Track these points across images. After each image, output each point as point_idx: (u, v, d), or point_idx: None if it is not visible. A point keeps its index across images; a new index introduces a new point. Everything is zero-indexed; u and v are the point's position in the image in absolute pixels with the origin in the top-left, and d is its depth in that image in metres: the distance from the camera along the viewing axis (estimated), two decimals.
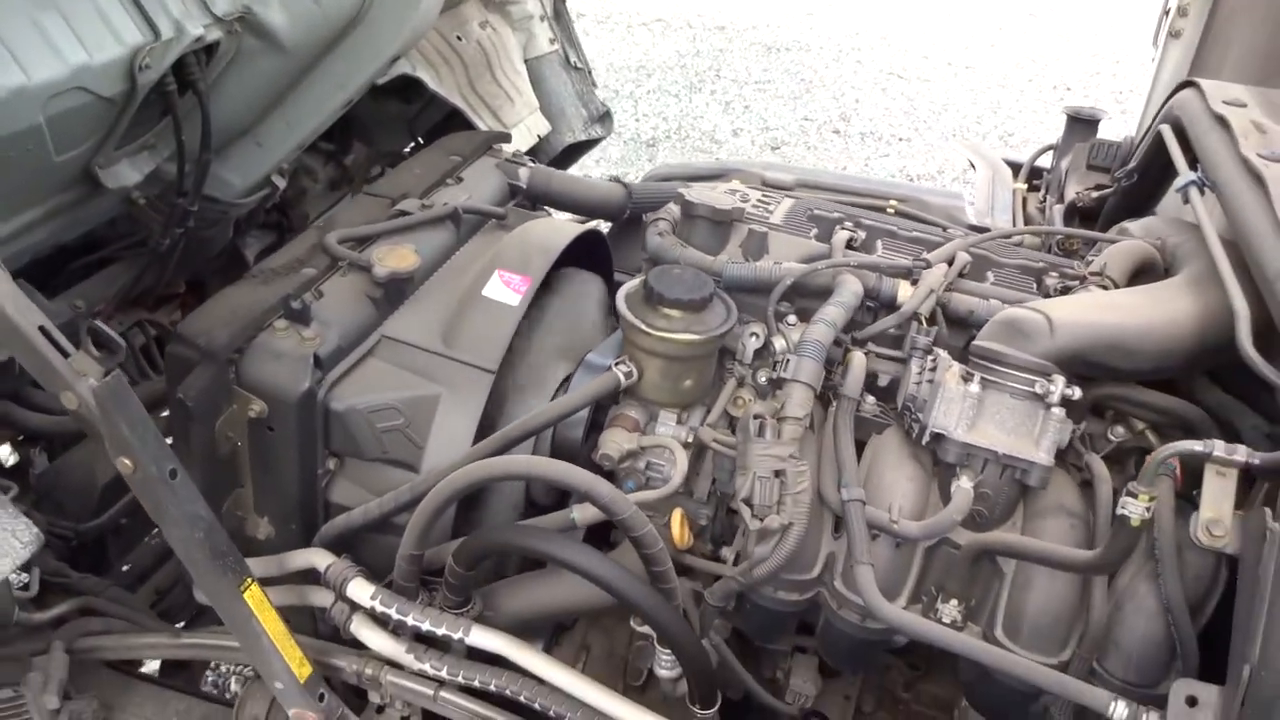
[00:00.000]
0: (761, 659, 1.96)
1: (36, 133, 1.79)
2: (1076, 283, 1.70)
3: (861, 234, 1.89)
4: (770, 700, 1.77)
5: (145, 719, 1.78)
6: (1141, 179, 2.13)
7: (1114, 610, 1.41)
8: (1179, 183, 1.67)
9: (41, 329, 1.33)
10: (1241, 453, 1.19)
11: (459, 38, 3.06)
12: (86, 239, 2.50)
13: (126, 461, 1.33)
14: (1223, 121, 1.63)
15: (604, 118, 3.45)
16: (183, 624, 2.24)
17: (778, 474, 1.44)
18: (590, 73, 3.47)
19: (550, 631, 1.87)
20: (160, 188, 2.28)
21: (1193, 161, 1.74)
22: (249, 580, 1.46)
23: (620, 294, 1.63)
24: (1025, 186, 2.93)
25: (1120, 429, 1.57)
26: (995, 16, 9.76)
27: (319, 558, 1.59)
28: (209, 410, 1.57)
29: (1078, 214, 2.44)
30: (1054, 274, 1.81)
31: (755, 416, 1.49)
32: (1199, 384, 1.59)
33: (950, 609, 1.48)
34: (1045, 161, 3.06)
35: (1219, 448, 1.20)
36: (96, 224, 2.35)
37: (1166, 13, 2.82)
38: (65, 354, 1.33)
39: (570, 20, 3.43)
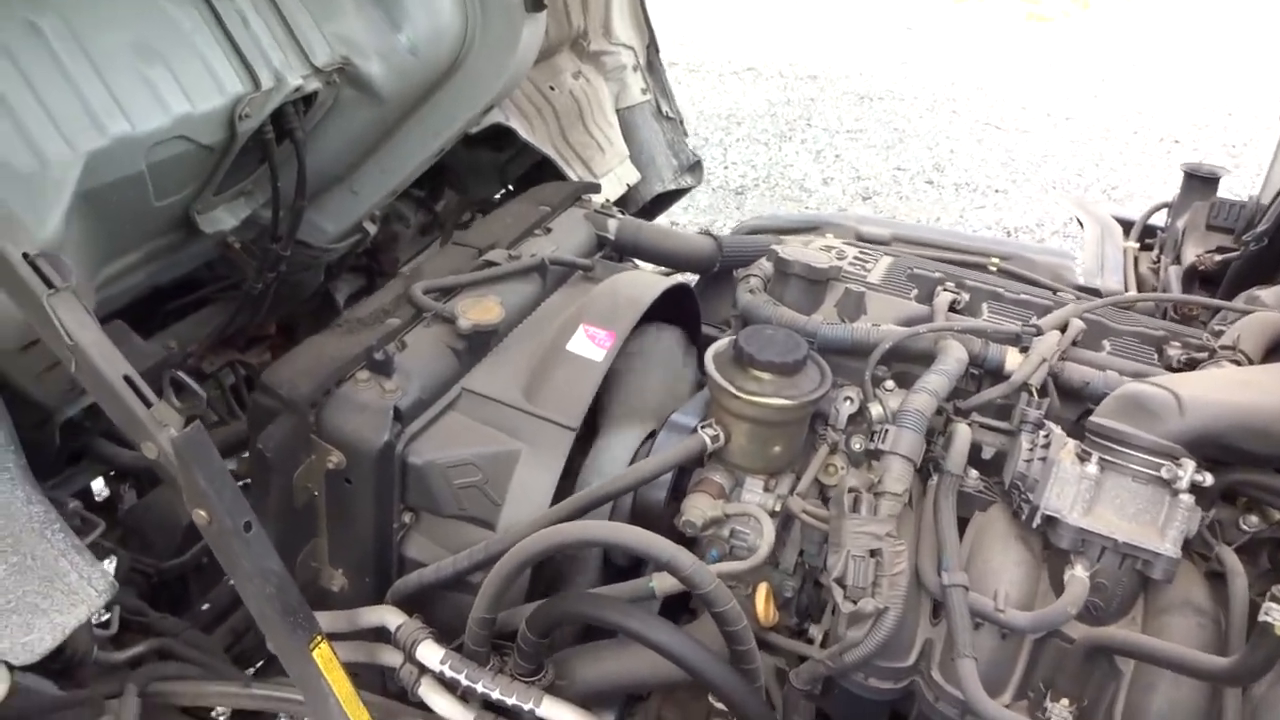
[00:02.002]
0: None
1: (139, 179, 1.83)
2: (1205, 355, 1.58)
3: (965, 296, 1.80)
4: None
5: None
6: (1272, 243, 1.98)
7: None
8: None
9: (126, 378, 1.32)
10: None
11: (552, 88, 3.07)
12: (183, 281, 2.56)
13: (202, 513, 1.32)
14: None
15: (694, 167, 3.42)
16: (257, 667, 2.22)
17: (873, 553, 1.35)
18: (682, 122, 3.44)
19: (622, 702, 1.79)
20: (255, 232, 2.32)
21: None
22: (319, 638, 1.43)
23: (709, 354, 1.57)
24: (1137, 245, 2.78)
25: (1254, 518, 1.43)
26: (1097, 67, 9.52)
27: (391, 616, 1.55)
28: (288, 461, 1.55)
29: (1198, 278, 2.29)
30: (1176, 343, 1.69)
31: (850, 490, 1.40)
32: None
33: (1060, 709, 1.36)
34: (1158, 220, 2.91)
35: None
36: (193, 267, 2.40)
37: None
38: (148, 403, 1.32)
39: (663, 70, 3.42)
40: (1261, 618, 1.14)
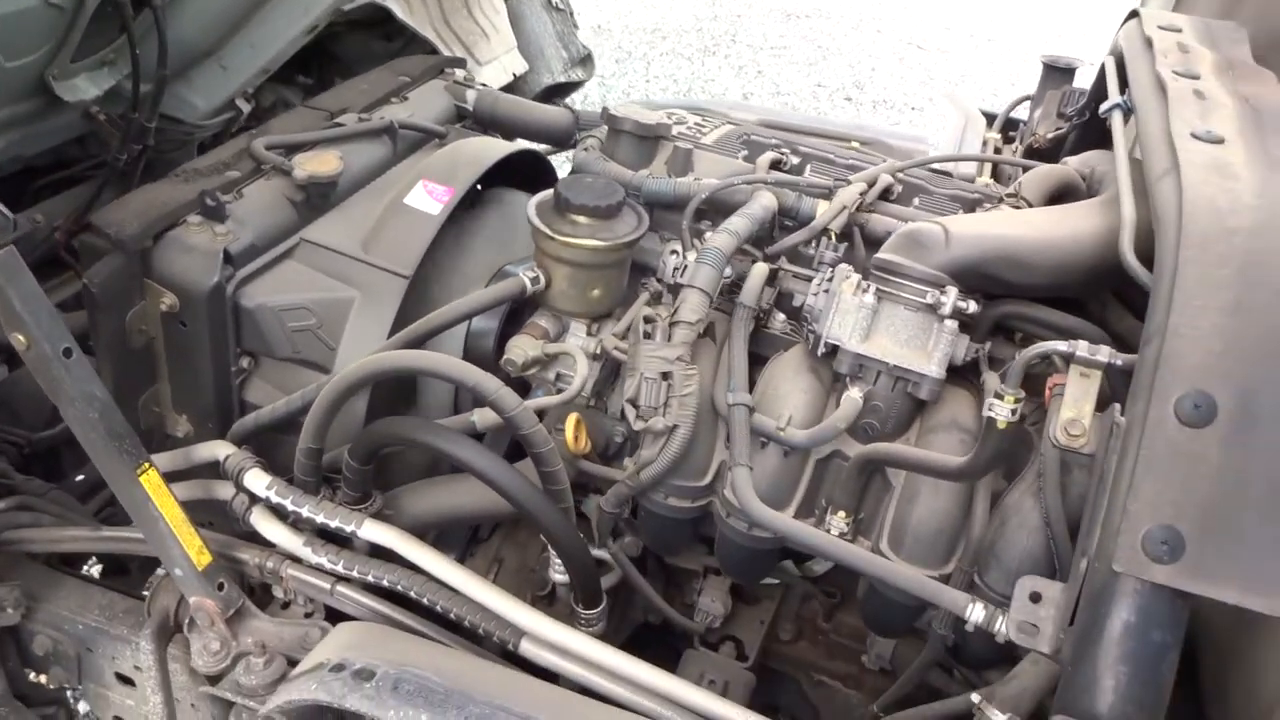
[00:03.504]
0: (682, 584, 1.97)
1: None
2: (993, 204, 1.68)
3: (795, 159, 1.87)
4: (674, 616, 1.78)
5: (69, 610, 1.81)
6: (1093, 117, 2.09)
7: (999, 526, 1.40)
8: (1104, 107, 1.64)
9: None
10: (1104, 353, 1.18)
11: None
12: (55, 158, 2.54)
13: (20, 338, 1.35)
14: (1149, 43, 1.60)
15: (585, 60, 3.43)
16: None
17: (665, 376, 1.44)
18: (573, 15, 3.44)
19: (464, 543, 1.89)
20: (124, 106, 2.31)
21: (1125, 88, 1.70)
22: (146, 465, 1.48)
23: (530, 202, 1.63)
24: (999, 136, 2.87)
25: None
26: None
27: (221, 449, 1.61)
28: (118, 300, 1.59)
29: (1035, 156, 2.40)
30: (987, 204, 1.79)
31: (646, 320, 1.49)
32: (1112, 311, 1.57)
33: (838, 521, 1.48)
34: (1024, 114, 3.00)
35: (1082, 348, 1.18)
36: (60, 140, 2.38)
37: None
38: None
39: None
40: (985, 413, 1.26)
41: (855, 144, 2.45)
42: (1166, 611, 0.99)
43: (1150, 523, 0.98)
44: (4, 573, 1.80)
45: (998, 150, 2.84)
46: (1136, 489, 0.99)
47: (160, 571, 2.13)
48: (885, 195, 1.75)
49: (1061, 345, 1.19)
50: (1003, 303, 1.51)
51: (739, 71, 7.18)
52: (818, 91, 6.96)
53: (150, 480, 1.49)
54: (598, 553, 1.69)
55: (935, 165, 2.14)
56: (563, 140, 2.24)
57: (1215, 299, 1.02)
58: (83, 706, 2.05)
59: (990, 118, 3.00)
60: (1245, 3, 1.95)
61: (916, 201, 1.76)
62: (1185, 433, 0.99)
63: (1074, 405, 1.18)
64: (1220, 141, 1.23)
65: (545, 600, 1.79)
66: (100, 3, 2.02)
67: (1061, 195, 1.67)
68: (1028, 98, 2.95)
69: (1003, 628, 1.21)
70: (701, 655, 1.83)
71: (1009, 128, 2.97)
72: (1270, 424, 0.97)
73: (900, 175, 1.79)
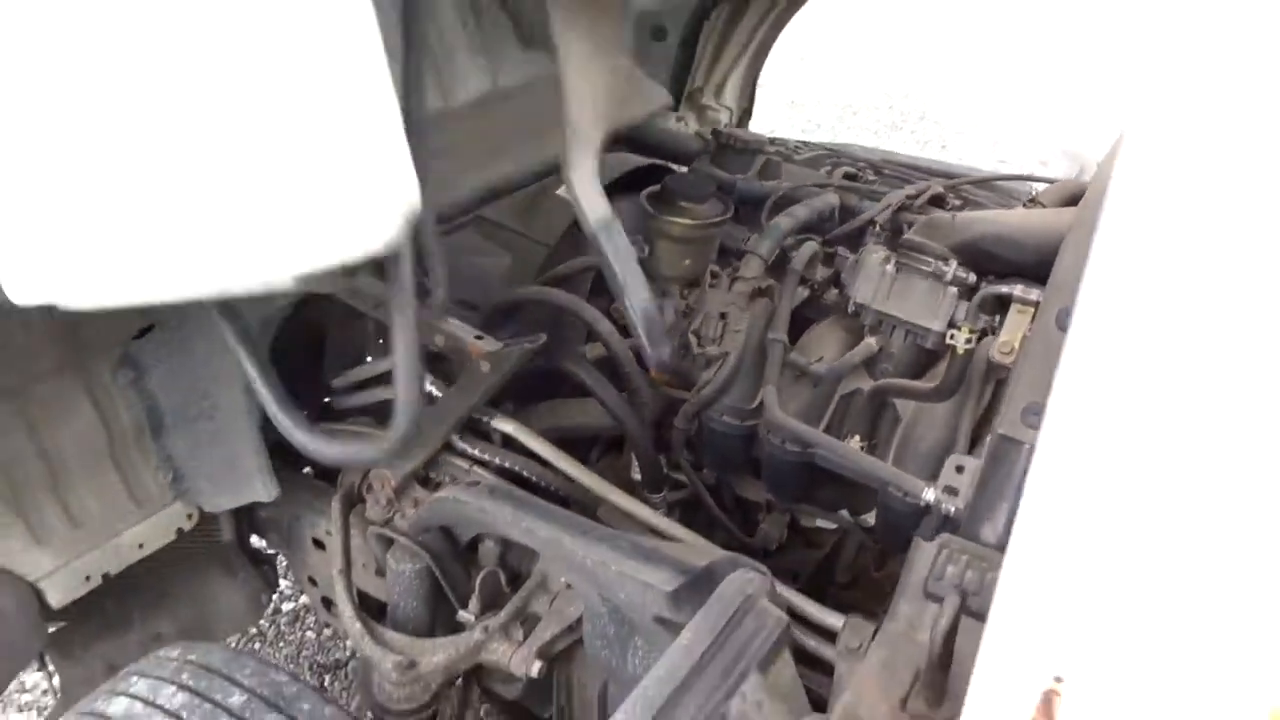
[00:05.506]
0: (750, 522, 2.35)
1: None
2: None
3: (871, 175, 2.28)
4: (734, 529, 2.17)
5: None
6: None
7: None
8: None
9: None
10: (1035, 294, 1.51)
11: None
12: None
13: None
14: None
15: None
16: None
17: (722, 315, 1.88)
18: None
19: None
20: None
21: None
22: None
23: (644, 192, 2.12)
24: None
25: None
26: None
27: None
28: None
29: None
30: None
31: (713, 274, 1.93)
32: None
33: (854, 443, 1.84)
34: None
35: (1019, 290, 1.53)
36: None
37: None
38: None
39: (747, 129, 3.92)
40: (947, 342, 1.61)
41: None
42: None
43: (1028, 399, 1.32)
44: None
45: None
46: (1021, 375, 1.34)
47: None
48: (939, 204, 2.13)
49: (1003, 287, 1.54)
50: (1006, 281, 1.84)
51: (923, 146, 7.49)
52: (999, 167, 7.15)
53: None
54: (677, 478, 2.12)
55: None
56: (689, 159, 2.73)
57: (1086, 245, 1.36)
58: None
59: None
60: None
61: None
62: (1059, 335, 1.33)
63: (1009, 332, 1.52)
64: None
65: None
66: None
67: (1075, 203, 1.99)
68: None
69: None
70: None
71: None
72: None
73: (963, 190, 2.16)
